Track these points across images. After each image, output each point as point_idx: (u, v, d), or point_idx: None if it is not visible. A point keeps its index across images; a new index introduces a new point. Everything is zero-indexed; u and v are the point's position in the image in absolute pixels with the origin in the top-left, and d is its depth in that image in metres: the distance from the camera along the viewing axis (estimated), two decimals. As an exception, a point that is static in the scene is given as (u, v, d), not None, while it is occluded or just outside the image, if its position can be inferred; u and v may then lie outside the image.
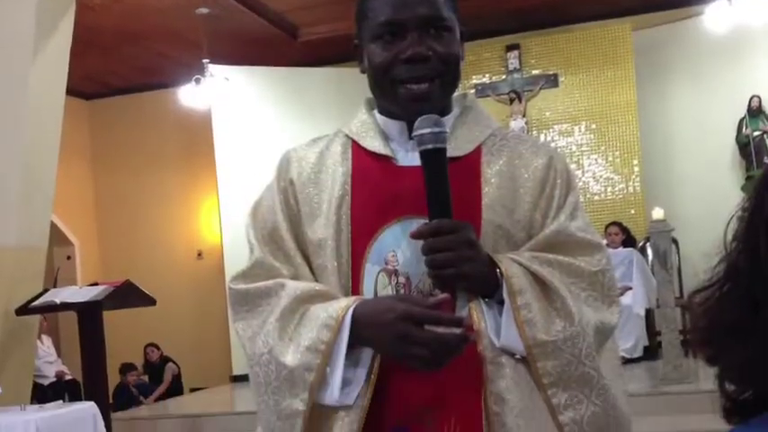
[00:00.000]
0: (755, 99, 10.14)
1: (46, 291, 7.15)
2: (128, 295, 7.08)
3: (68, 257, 12.47)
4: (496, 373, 1.65)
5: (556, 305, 1.69)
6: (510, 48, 10.85)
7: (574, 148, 10.57)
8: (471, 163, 1.79)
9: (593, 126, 10.54)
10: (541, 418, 1.67)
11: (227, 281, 1.88)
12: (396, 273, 1.72)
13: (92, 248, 12.94)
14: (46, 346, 10.56)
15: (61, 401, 6.81)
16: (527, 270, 1.69)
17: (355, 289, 1.73)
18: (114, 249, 12.78)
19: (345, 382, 1.63)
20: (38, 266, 7.37)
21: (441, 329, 1.57)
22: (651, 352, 9.04)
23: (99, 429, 5.75)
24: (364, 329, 1.61)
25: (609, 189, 10.48)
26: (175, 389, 11.29)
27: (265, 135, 10.64)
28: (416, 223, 1.68)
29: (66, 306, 6.88)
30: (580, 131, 10.60)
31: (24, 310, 6.87)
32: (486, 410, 1.65)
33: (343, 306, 1.64)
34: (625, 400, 1.77)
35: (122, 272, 10.07)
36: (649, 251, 8.79)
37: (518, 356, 1.68)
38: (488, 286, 1.68)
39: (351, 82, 7.65)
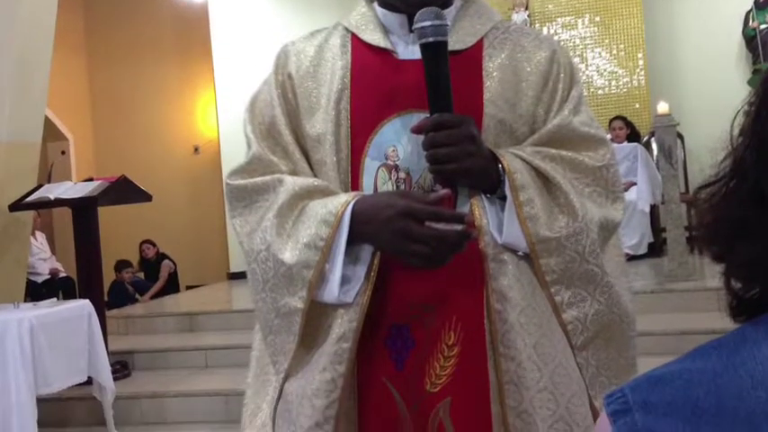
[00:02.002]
0: (762, -9, 9.97)
1: (40, 186, 7.11)
2: (123, 191, 7.04)
3: (63, 152, 12.44)
4: (498, 270, 1.64)
5: (559, 201, 1.68)
6: (512, -62, 10.60)
7: (577, 41, 10.44)
8: (473, 56, 1.75)
9: (597, 19, 10.38)
10: (544, 315, 1.66)
11: (224, 176, 1.86)
12: (396, 168, 1.70)
13: (87, 143, 12.90)
14: (39, 242, 10.56)
15: (55, 299, 6.86)
16: (530, 165, 1.67)
17: (355, 184, 1.71)
18: (109, 144, 12.74)
19: (345, 280, 1.62)
20: (32, 161, 7.33)
21: (441, 226, 1.56)
22: (656, 249, 9.05)
23: (94, 327, 5.77)
24: (364, 226, 1.60)
25: (613, 83, 10.38)
26: (172, 286, 11.37)
27: (263, 27, 10.49)
28: (417, 118, 1.65)
29: (60, 202, 6.84)
30: (584, 24, 10.44)
31: (18, 205, 6.83)
32: (487, 308, 1.64)
33: (342, 202, 1.62)
34: (629, 297, 1.77)
35: (118, 167, 10.05)
36: (654, 146, 8.70)
37: (521, 253, 1.67)
38: (490, 182, 1.66)
39: (349, -27, 7.49)
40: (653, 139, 8.87)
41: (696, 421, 0.71)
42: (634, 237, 8.74)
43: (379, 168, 1.71)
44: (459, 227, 1.56)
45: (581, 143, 1.74)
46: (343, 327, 1.62)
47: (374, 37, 1.78)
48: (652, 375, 0.76)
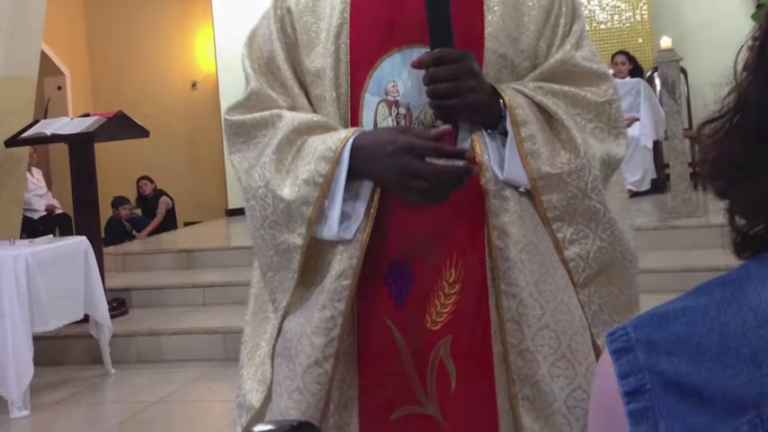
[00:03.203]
0: (767, -77, 9.81)
1: (36, 122, 7.08)
2: (120, 127, 7.00)
3: (59, 88, 12.32)
4: (500, 206, 1.63)
5: (561, 137, 1.66)
6: None
7: (578, -26, 10.30)
8: (474, -9, 1.72)
9: (599, -48, 10.24)
10: (546, 252, 1.65)
11: (222, 112, 1.84)
12: (396, 103, 1.68)
13: (83, 78, 12.79)
14: (36, 178, 10.51)
15: (51, 236, 6.85)
16: (531, 100, 1.65)
17: (354, 120, 1.69)
18: (106, 79, 12.64)
19: (344, 216, 1.61)
20: (28, 97, 7.28)
21: (442, 162, 1.54)
22: (659, 185, 9.04)
23: (90, 264, 5.78)
24: (364, 162, 1.58)
25: (615, 17, 10.27)
26: (169, 223, 11.35)
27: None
28: (417, 52, 1.63)
29: (56, 138, 6.81)
30: (585, -43, 10.31)
31: (14, 141, 6.81)
32: (489, 245, 1.63)
33: (342, 138, 1.60)
34: (632, 234, 1.76)
35: (114, 102, 9.99)
36: (657, 81, 8.65)
37: (522, 190, 1.65)
38: (491, 117, 1.64)
39: None
40: (656, 74, 8.81)
41: (699, 359, 0.70)
42: (637, 173, 8.72)
43: (379, 104, 1.68)
44: (459, 163, 1.55)
45: (583, 78, 1.72)
46: (343, 264, 1.62)
47: (374, -29, 1.74)
48: (655, 313, 0.75)
